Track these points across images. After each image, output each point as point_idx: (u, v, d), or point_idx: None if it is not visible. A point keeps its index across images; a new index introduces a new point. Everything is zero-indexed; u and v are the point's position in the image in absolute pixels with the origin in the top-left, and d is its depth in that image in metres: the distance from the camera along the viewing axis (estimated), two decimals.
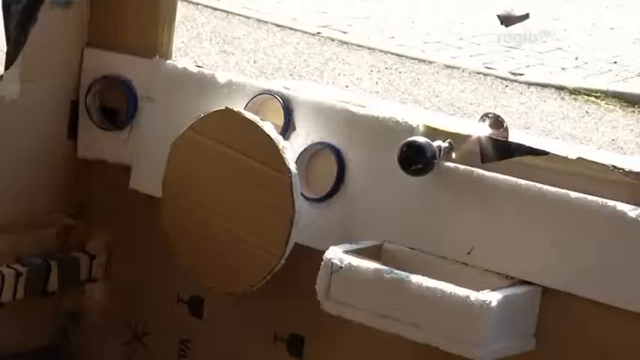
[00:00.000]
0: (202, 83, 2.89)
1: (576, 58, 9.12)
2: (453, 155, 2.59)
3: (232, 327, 2.94)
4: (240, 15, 9.91)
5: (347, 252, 2.57)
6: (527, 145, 2.57)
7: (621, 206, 2.39)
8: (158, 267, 3.00)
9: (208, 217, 2.80)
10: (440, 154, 2.57)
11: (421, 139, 2.57)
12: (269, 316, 2.86)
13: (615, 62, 8.94)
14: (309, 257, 2.63)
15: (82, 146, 3.04)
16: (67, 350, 3.15)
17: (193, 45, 8.81)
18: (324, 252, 2.57)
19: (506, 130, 2.62)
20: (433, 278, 2.47)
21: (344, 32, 9.77)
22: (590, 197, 2.43)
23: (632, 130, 7.58)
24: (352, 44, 9.39)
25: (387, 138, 2.64)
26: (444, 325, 2.44)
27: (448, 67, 8.68)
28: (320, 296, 2.56)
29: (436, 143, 2.57)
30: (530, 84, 8.31)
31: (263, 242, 2.71)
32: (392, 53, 9.12)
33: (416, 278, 2.47)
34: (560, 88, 8.26)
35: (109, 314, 3.13)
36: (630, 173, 2.43)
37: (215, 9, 9.91)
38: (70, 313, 3.12)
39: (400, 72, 8.59)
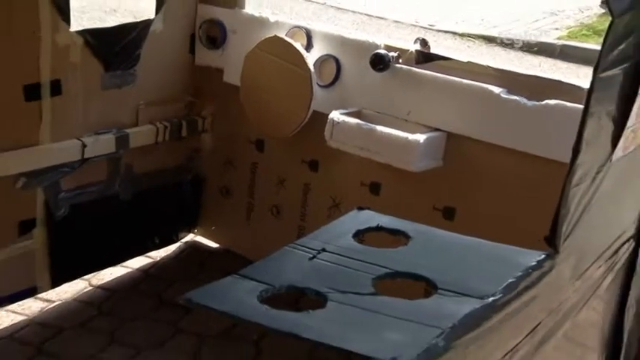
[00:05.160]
0: (261, 22, 2.82)
1: (462, 20, 8.84)
2: (400, 61, 2.55)
3: (278, 156, 2.90)
4: None
5: (342, 114, 2.54)
6: (439, 55, 2.54)
7: (491, 87, 2.37)
8: (239, 123, 2.94)
9: (265, 96, 2.77)
10: (393, 60, 2.54)
11: (382, 52, 2.54)
12: (298, 149, 2.81)
13: (483, 20, 8.73)
14: (321, 117, 2.59)
15: (197, 58, 2.96)
16: (193, 168, 3.10)
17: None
18: (328, 114, 2.54)
19: (429, 47, 2.59)
20: (389, 128, 2.44)
21: None
22: (474, 82, 2.40)
23: (490, 55, 7.48)
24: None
25: (364, 51, 2.58)
26: (395, 153, 2.42)
27: (397, 22, 8.36)
28: (327, 138, 2.53)
29: (391, 54, 2.54)
30: (439, 30, 8.15)
31: (296, 109, 2.69)
32: (365, 14, 8.53)
33: (379, 128, 2.45)
34: (454, 33, 8.14)
35: (213, 149, 3.07)
36: (495, 69, 2.42)
37: None
38: (193, 148, 3.07)
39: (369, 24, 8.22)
